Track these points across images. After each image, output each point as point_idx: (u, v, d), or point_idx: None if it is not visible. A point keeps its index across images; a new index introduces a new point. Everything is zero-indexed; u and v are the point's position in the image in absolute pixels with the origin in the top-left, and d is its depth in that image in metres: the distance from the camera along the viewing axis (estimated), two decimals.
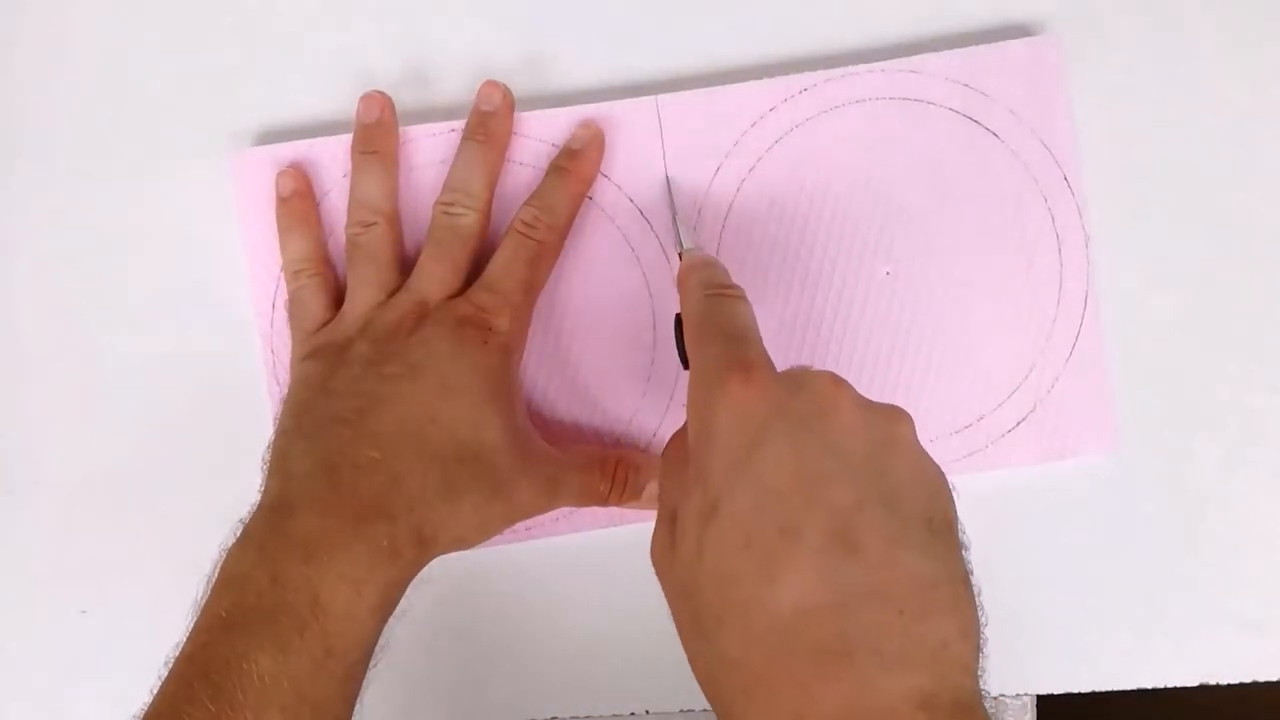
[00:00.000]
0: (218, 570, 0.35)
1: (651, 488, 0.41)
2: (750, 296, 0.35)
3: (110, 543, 0.43)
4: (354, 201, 0.40)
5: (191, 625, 0.34)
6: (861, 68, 0.42)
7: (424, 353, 0.37)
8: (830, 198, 0.43)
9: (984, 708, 0.28)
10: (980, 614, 0.29)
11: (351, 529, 0.34)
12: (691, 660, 0.31)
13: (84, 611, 0.43)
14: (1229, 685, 0.44)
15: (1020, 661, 0.44)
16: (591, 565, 0.43)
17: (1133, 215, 0.43)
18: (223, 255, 0.43)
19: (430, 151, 0.42)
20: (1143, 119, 0.43)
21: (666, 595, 0.32)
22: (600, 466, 0.40)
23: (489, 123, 0.41)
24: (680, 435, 0.34)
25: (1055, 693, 0.44)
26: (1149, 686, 0.44)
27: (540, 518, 0.40)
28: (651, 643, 0.44)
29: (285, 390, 0.39)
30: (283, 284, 0.42)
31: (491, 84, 0.41)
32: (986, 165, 0.42)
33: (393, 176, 0.41)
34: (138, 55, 0.43)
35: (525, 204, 0.40)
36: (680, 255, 0.38)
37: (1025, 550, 0.43)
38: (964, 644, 0.28)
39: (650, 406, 0.42)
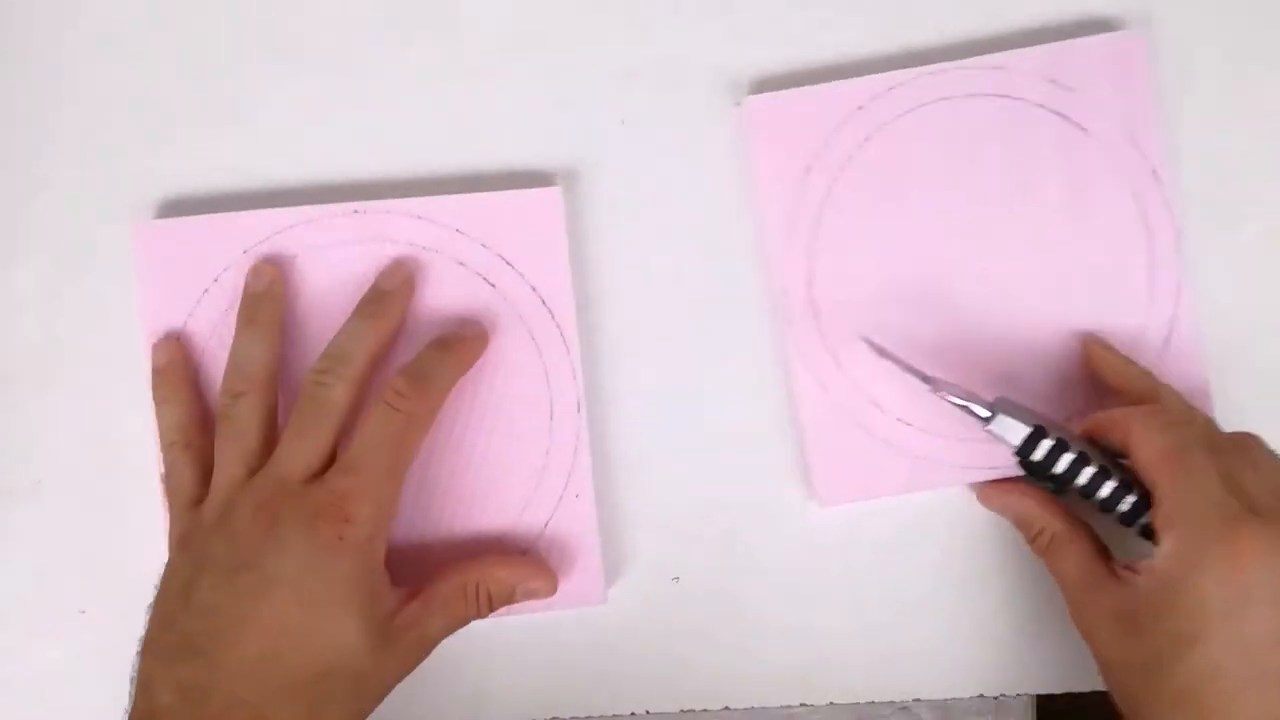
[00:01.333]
0: None
1: (521, 592, 0.41)
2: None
3: (110, 543, 0.43)
4: (229, 367, 0.40)
5: None
6: (949, 65, 0.43)
7: (277, 562, 0.36)
8: (922, 194, 0.43)
9: None
10: None
11: None
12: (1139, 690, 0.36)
13: (84, 611, 0.43)
14: None
15: (1020, 661, 0.44)
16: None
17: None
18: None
19: (330, 232, 0.42)
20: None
21: (1094, 646, 0.38)
22: (463, 596, 0.40)
23: (385, 300, 0.41)
24: (1078, 535, 0.40)
25: (1055, 693, 0.44)
26: None
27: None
28: (654, 643, 0.44)
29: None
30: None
31: (398, 263, 0.42)
32: (1075, 159, 0.43)
33: (273, 347, 0.41)
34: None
35: (398, 372, 0.39)
36: (930, 384, 0.40)
37: (1026, 550, 0.43)
38: None
39: (542, 500, 0.42)
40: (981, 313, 0.43)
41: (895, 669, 0.44)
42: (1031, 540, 0.41)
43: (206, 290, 0.42)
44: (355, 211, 0.42)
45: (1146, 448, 0.37)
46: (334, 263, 0.42)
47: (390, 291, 0.41)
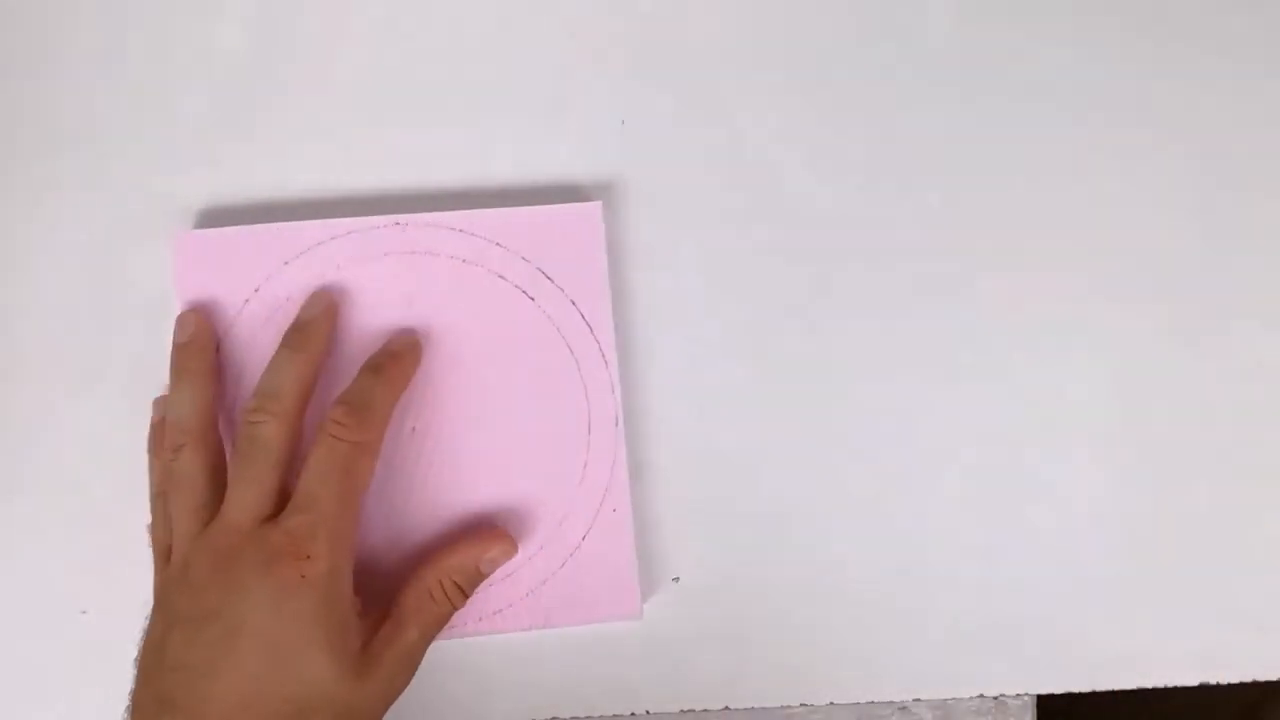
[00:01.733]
0: None
1: (485, 568, 0.41)
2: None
3: (110, 543, 0.43)
4: (167, 424, 0.40)
5: None
6: (410, 219, 0.42)
7: (239, 608, 0.36)
8: (363, 343, 0.42)
9: None
10: None
11: None
12: None
13: (84, 611, 0.43)
14: (1229, 685, 0.44)
15: (1020, 661, 0.44)
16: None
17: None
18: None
19: (373, 244, 0.42)
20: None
21: None
22: (430, 599, 0.40)
23: (307, 329, 0.41)
24: None
25: (1055, 692, 0.44)
26: (1149, 686, 0.44)
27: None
28: (652, 643, 0.44)
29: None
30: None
31: (317, 294, 0.42)
32: (521, 326, 0.42)
33: (206, 395, 0.40)
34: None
35: (336, 402, 0.39)
36: None
37: (1027, 550, 0.43)
38: None
39: (579, 513, 0.42)
40: (414, 470, 0.42)
41: (895, 669, 0.44)
42: None
43: (247, 301, 0.42)
44: (397, 224, 0.42)
45: None
46: (376, 275, 0.42)
47: (311, 320, 0.41)
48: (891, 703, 0.44)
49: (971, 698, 0.44)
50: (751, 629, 0.44)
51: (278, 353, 0.40)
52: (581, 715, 0.44)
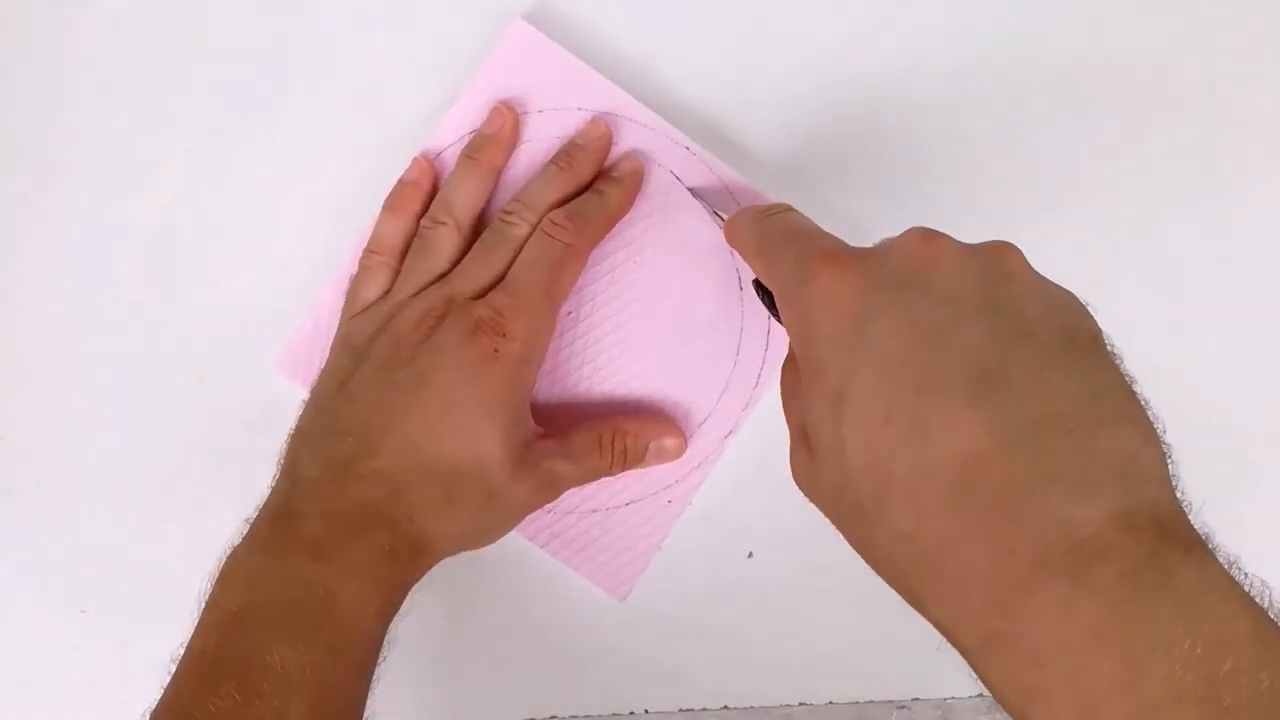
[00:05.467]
0: (223, 570, 0.35)
1: (655, 446, 0.42)
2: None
3: (110, 543, 0.43)
4: (438, 199, 0.42)
5: (198, 622, 0.34)
6: (694, 146, 0.42)
7: (433, 363, 0.37)
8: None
9: (1191, 524, 0.25)
10: (1156, 423, 0.27)
11: (354, 534, 0.35)
12: (870, 560, 0.30)
13: (84, 611, 0.43)
14: None
15: None
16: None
17: None
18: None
19: (657, 149, 0.42)
20: None
21: (822, 509, 0.31)
22: (598, 447, 0.41)
23: (576, 155, 0.42)
24: (789, 361, 0.34)
25: None
26: None
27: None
28: (651, 643, 0.44)
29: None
30: (459, 143, 0.42)
31: (596, 121, 0.42)
32: (714, 291, 0.43)
33: (485, 188, 0.42)
34: None
35: (557, 209, 0.40)
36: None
37: None
38: (1149, 451, 0.26)
39: (640, 482, 0.43)
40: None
41: (895, 669, 0.44)
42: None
43: (527, 114, 0.43)
44: (688, 149, 0.42)
45: (745, 236, 0.35)
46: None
47: (584, 147, 0.42)
48: (891, 702, 0.44)
49: (971, 697, 0.44)
50: (751, 629, 0.44)
51: (546, 168, 0.41)
52: (581, 715, 0.44)
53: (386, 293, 0.41)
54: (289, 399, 0.43)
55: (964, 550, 0.26)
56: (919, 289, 0.28)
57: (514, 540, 0.42)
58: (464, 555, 0.39)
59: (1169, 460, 0.26)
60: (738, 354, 0.43)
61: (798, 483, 0.32)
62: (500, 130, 0.42)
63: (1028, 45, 0.44)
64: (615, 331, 0.43)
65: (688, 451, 0.43)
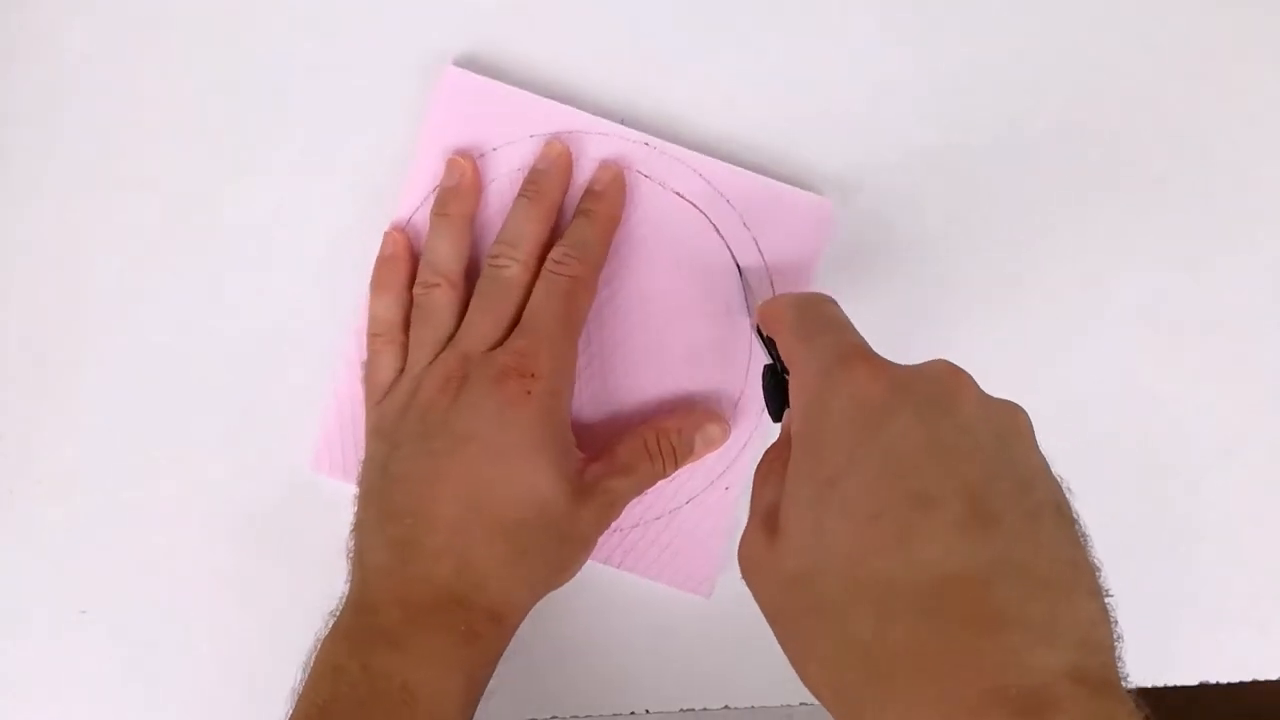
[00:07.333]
0: (312, 662, 0.36)
1: (701, 437, 0.42)
2: None
3: (110, 543, 0.43)
4: (423, 262, 0.41)
5: (291, 713, 0.35)
6: (660, 143, 0.42)
7: (468, 420, 0.37)
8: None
9: (1131, 699, 0.26)
10: (1113, 612, 0.28)
11: (428, 618, 0.36)
12: (803, 659, 0.30)
13: (84, 611, 0.43)
14: (1229, 685, 0.44)
15: None
16: (594, 564, 0.43)
17: None
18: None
19: (615, 153, 0.42)
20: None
21: (762, 596, 0.31)
22: (645, 452, 0.41)
23: (541, 180, 0.41)
24: (775, 446, 0.34)
25: None
26: (1149, 686, 0.44)
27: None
28: (651, 643, 0.44)
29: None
30: (425, 204, 0.42)
31: (551, 143, 0.42)
32: (712, 279, 0.43)
33: (464, 240, 0.41)
34: None
35: (556, 246, 0.40)
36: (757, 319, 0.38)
37: None
38: (1105, 628, 0.27)
39: (694, 478, 0.43)
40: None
41: None
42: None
43: (483, 155, 0.42)
44: (646, 144, 0.42)
45: (779, 320, 0.35)
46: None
47: (546, 171, 0.42)
48: None
49: None
50: (751, 629, 0.44)
51: (516, 202, 0.41)
52: (581, 715, 0.44)
53: (402, 370, 0.40)
54: (289, 398, 0.43)
55: (920, 668, 0.26)
56: (942, 409, 0.29)
57: None
58: None
59: (1118, 643, 0.27)
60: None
61: (744, 564, 0.32)
62: (462, 180, 0.41)
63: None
64: (629, 340, 0.43)
65: (732, 434, 0.43)
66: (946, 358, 0.31)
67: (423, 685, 0.35)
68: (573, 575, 0.40)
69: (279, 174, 0.43)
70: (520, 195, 0.41)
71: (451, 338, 0.40)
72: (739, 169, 0.42)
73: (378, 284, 0.42)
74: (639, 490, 0.41)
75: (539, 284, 0.40)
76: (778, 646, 0.44)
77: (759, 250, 0.43)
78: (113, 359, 0.44)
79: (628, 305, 0.43)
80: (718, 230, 0.43)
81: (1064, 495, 0.29)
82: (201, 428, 0.44)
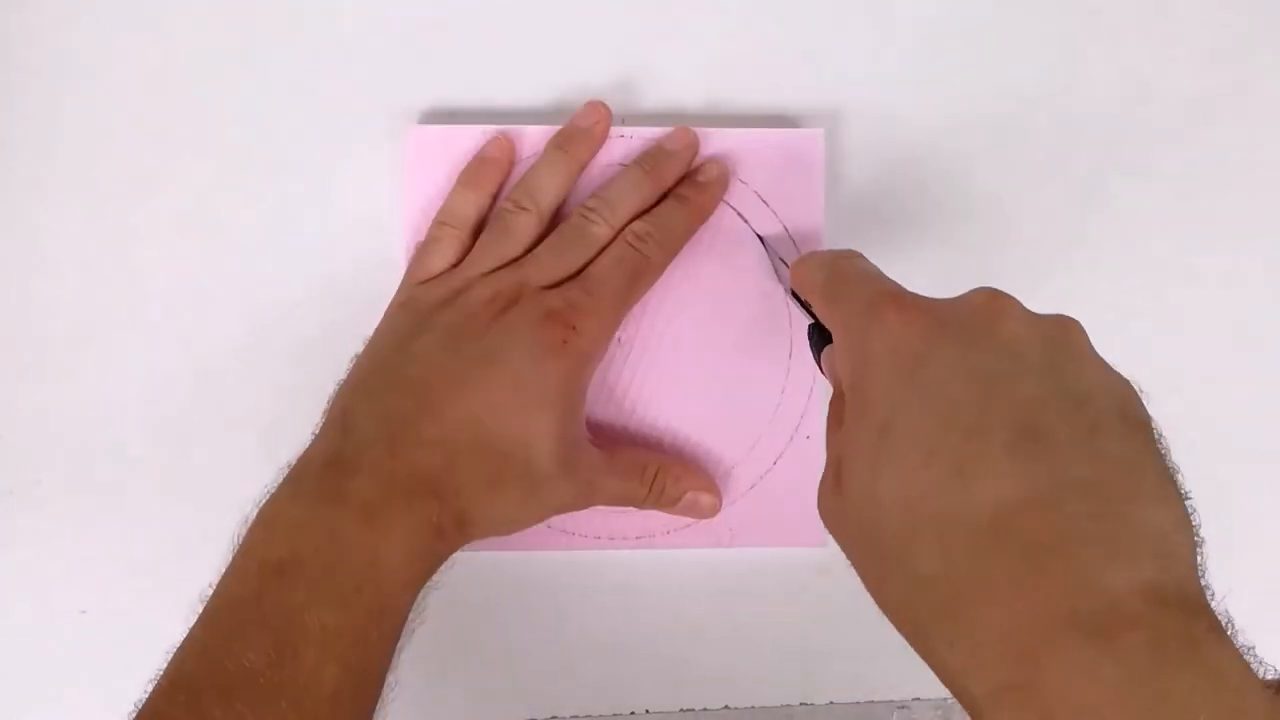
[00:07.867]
0: (264, 515, 0.34)
1: (688, 499, 0.41)
2: None
3: (110, 543, 0.43)
4: (522, 182, 0.41)
5: (235, 566, 0.34)
6: (632, 130, 0.43)
7: (502, 341, 0.37)
8: None
9: (1213, 608, 0.25)
10: (1194, 515, 0.27)
11: (406, 501, 0.35)
12: (881, 600, 0.30)
13: (84, 611, 0.43)
14: None
15: None
16: (593, 565, 0.43)
17: None
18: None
19: (599, 154, 0.43)
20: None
21: (841, 542, 0.31)
22: (641, 474, 0.41)
23: (663, 160, 0.41)
24: (835, 398, 0.34)
25: None
26: None
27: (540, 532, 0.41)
28: (651, 643, 0.44)
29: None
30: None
31: (685, 130, 0.42)
32: (729, 244, 0.43)
33: (569, 181, 0.42)
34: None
35: (641, 219, 0.40)
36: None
37: None
38: (1182, 536, 0.26)
39: (774, 436, 0.43)
40: (618, 380, 0.43)
41: (895, 669, 0.44)
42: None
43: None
44: (622, 136, 0.42)
45: (809, 276, 0.35)
46: (597, 184, 0.42)
47: (672, 153, 0.42)
48: (891, 702, 0.44)
49: None
50: (752, 629, 0.44)
51: (630, 168, 0.41)
52: (581, 715, 0.44)
53: (454, 266, 0.40)
54: (289, 397, 0.43)
55: (987, 597, 0.26)
56: (982, 340, 0.29)
57: (513, 540, 0.42)
58: (463, 555, 0.39)
59: (1199, 551, 0.26)
60: (782, 393, 0.43)
61: (822, 514, 0.32)
62: (594, 126, 0.42)
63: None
64: (664, 362, 0.43)
65: (796, 379, 0.42)
66: (987, 285, 0.30)
67: (390, 562, 0.34)
68: (516, 531, 0.39)
69: (279, 174, 0.44)
70: (636, 164, 0.41)
71: (515, 262, 0.40)
72: (718, 130, 0.43)
73: (468, 179, 0.42)
74: (614, 501, 0.41)
75: (614, 247, 0.40)
76: (778, 646, 0.44)
77: (764, 202, 0.42)
78: (113, 359, 0.44)
79: (677, 327, 0.43)
80: (730, 205, 0.42)
81: (1133, 402, 0.28)
82: (202, 428, 0.44)
